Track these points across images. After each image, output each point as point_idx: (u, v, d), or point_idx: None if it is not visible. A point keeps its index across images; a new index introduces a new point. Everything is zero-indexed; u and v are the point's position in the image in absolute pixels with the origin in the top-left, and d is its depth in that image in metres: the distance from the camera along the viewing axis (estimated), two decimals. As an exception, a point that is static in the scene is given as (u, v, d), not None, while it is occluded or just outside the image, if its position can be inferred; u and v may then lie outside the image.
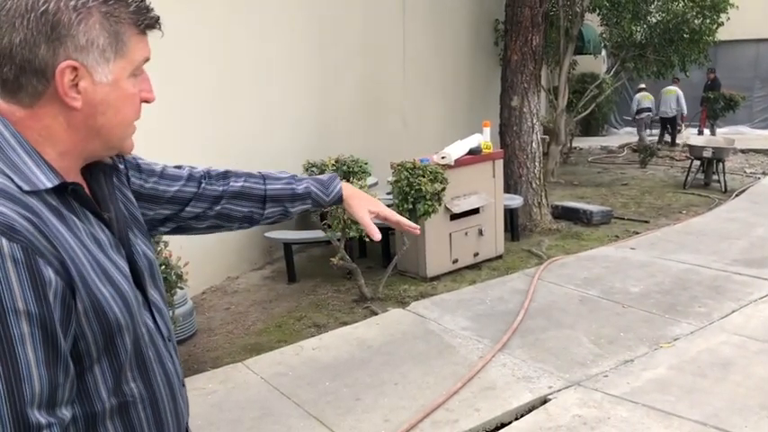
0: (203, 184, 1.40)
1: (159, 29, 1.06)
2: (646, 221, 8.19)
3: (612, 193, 10.08)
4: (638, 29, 10.65)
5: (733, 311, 5.01)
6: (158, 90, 1.12)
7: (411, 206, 5.30)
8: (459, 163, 5.99)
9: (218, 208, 1.41)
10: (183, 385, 1.22)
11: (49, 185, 0.96)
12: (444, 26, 9.25)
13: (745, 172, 11.70)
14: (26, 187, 0.94)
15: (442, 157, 5.82)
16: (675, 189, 10.30)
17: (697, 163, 10.53)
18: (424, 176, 5.31)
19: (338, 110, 7.58)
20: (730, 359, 4.23)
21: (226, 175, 1.44)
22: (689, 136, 14.20)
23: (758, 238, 7.01)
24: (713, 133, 15.51)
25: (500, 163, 6.59)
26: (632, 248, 6.78)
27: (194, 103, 5.55)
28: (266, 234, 6.20)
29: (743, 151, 13.37)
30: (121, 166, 1.23)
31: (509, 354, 4.38)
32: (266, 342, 4.81)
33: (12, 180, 0.93)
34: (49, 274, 0.89)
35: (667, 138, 15.28)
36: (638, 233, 7.53)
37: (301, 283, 6.12)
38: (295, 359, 4.38)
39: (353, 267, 5.48)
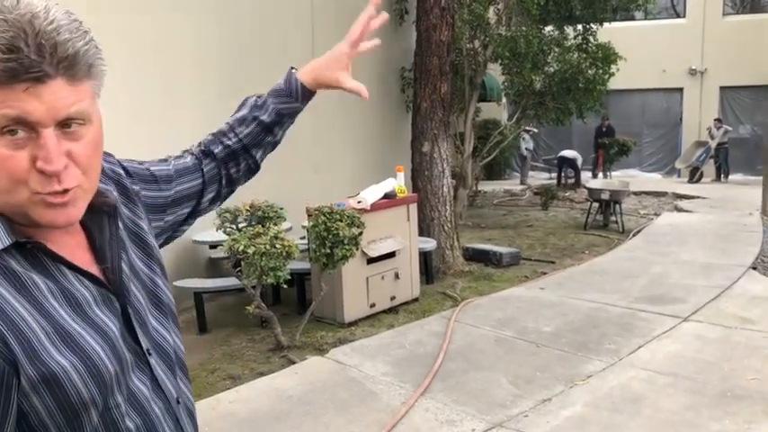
0: (204, 169, 1.33)
1: (41, 80, 0.82)
2: (552, 262, 8.47)
3: (518, 234, 10.39)
4: (538, 78, 11.15)
5: (639, 347, 5.22)
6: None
7: (329, 251, 5.25)
8: (375, 207, 6.02)
9: (224, 181, 1.37)
10: None
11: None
12: (354, 73, 9.35)
13: (639, 213, 12.38)
14: None
15: (359, 202, 5.84)
16: (577, 230, 10.75)
17: (596, 205, 11.06)
18: (341, 221, 5.29)
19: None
20: (641, 394, 4.39)
21: (209, 150, 1.35)
22: (587, 179, 14.92)
23: (657, 276, 7.39)
24: (608, 177, 16.37)
25: (414, 207, 6.68)
26: (542, 288, 6.98)
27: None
28: (175, 283, 5.96)
29: (635, 193, 14.16)
30: (135, 187, 1.13)
31: (431, 398, 4.36)
32: (179, 397, 4.58)
33: None
34: None
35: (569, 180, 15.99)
36: (545, 273, 7.77)
37: (213, 333, 5.91)
38: (211, 414, 4.18)
39: (270, 315, 5.34)
